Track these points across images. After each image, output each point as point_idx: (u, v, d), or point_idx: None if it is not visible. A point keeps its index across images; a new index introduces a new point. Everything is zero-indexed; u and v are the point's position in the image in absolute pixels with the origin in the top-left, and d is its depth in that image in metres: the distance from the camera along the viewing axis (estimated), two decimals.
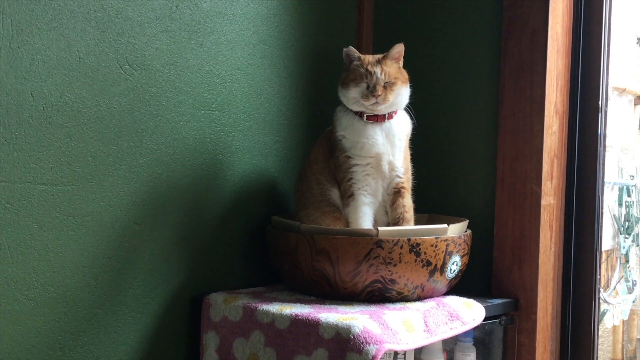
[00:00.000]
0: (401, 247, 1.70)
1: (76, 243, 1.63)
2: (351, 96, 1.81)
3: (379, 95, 1.78)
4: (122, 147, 1.70)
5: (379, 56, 1.84)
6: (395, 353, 1.69)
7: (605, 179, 2.03)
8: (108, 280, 1.69)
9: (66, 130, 1.60)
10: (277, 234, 1.84)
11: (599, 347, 2.19)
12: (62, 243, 1.61)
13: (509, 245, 1.95)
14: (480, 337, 1.93)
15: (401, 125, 1.85)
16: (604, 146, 1.98)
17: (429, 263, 1.72)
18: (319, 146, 1.91)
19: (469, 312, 1.76)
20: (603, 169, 1.98)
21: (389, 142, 1.82)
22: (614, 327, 3.15)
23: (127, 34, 1.69)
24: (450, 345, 1.89)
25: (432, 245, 1.72)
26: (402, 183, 1.83)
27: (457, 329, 1.72)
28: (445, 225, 1.76)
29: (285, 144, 2.04)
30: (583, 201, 1.98)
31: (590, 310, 1.97)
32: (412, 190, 1.87)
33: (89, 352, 1.67)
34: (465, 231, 1.84)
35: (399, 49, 1.84)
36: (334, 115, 1.88)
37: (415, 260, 1.71)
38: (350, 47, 1.84)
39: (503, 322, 1.90)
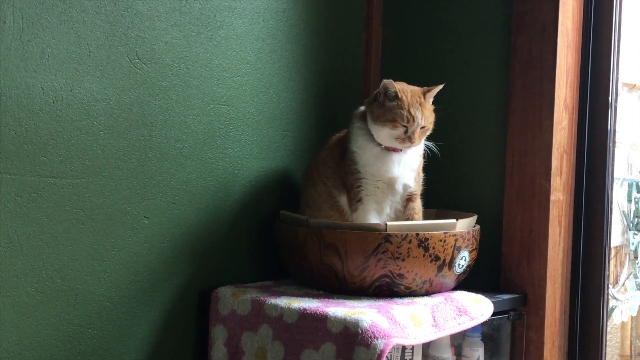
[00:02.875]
0: (409, 241, 1.70)
1: (85, 236, 1.64)
2: (384, 134, 1.76)
3: (414, 141, 1.76)
4: (132, 141, 1.70)
5: (419, 93, 1.77)
6: (403, 348, 1.69)
7: (615, 175, 2.02)
8: (117, 274, 1.70)
9: (76, 124, 1.61)
10: (285, 228, 1.84)
11: (608, 343, 2.18)
12: (72, 236, 1.62)
13: (517, 241, 1.95)
14: (488, 332, 1.92)
15: (418, 151, 1.84)
16: (614, 142, 1.97)
17: (437, 258, 1.72)
18: (330, 152, 1.89)
19: (477, 307, 1.76)
20: (612, 165, 1.97)
21: (404, 167, 1.81)
22: (623, 324, 3.14)
23: (136, 27, 1.69)
24: (459, 341, 1.89)
25: (440, 240, 1.72)
26: (414, 192, 1.84)
27: (465, 324, 1.72)
28: (453, 220, 1.76)
29: (294, 138, 2.04)
30: (592, 197, 1.97)
31: (598, 306, 1.96)
32: (422, 184, 1.87)
33: (98, 345, 1.67)
34: (474, 226, 1.84)
35: (439, 89, 1.79)
36: (350, 126, 1.84)
37: (424, 255, 1.71)
38: (391, 80, 1.76)
39: (511, 317, 1.90)
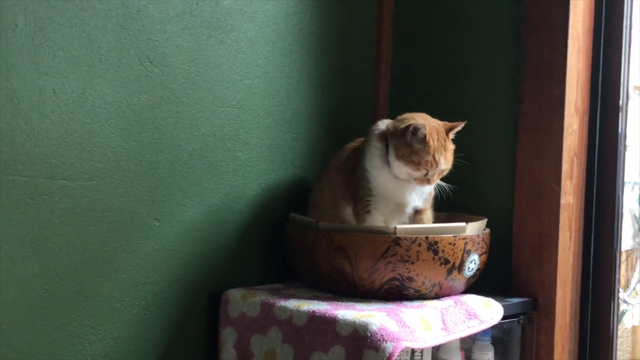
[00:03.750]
0: (419, 245, 1.70)
1: (96, 238, 1.65)
2: (404, 172, 1.74)
3: (432, 183, 1.76)
4: (143, 143, 1.71)
5: (443, 135, 1.75)
6: (413, 351, 1.69)
7: (626, 179, 2.01)
8: (127, 276, 1.70)
9: (87, 126, 1.62)
10: (295, 231, 1.84)
11: (618, 347, 2.17)
12: (83, 238, 1.63)
13: (527, 244, 1.94)
14: (498, 336, 1.92)
15: None
16: (624, 145, 1.97)
17: (447, 261, 1.72)
18: (344, 162, 1.87)
19: (487, 311, 1.75)
20: (623, 169, 1.97)
21: (417, 194, 1.80)
22: (634, 328, 3.13)
23: (147, 31, 1.70)
24: (468, 344, 1.88)
25: (450, 244, 1.72)
26: (423, 207, 1.84)
27: (475, 327, 1.71)
28: (463, 224, 1.76)
29: (304, 142, 2.04)
30: (603, 201, 1.97)
31: (609, 310, 1.96)
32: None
33: (109, 346, 1.68)
34: (484, 230, 1.84)
35: (461, 127, 1.78)
36: (366, 144, 1.81)
37: (433, 259, 1.71)
38: (424, 125, 1.72)
39: (521, 321, 1.90)
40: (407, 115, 1.81)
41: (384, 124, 1.82)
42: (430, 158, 1.73)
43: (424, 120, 1.76)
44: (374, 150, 1.79)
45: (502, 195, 2.01)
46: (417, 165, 1.73)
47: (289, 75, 2.00)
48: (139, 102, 1.70)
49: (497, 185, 2.02)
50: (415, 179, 1.75)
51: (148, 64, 1.71)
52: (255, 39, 1.91)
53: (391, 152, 1.75)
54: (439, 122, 1.80)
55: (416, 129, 1.72)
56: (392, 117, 2.14)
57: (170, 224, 1.77)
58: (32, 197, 1.54)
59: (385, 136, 1.79)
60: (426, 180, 1.75)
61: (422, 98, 2.18)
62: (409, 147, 1.73)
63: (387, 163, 1.77)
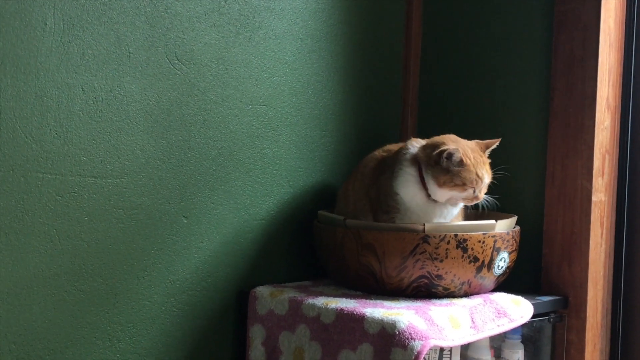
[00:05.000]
0: (448, 242, 1.68)
1: (125, 235, 1.65)
2: (451, 197, 1.73)
3: (481, 198, 1.75)
4: (171, 141, 1.72)
5: (479, 152, 1.75)
6: (441, 349, 1.68)
7: None
8: (156, 273, 1.71)
9: (116, 124, 1.62)
10: (323, 228, 1.84)
11: None
12: (112, 235, 1.63)
13: (558, 242, 1.92)
14: (528, 334, 1.91)
15: None
16: None
17: (476, 259, 1.71)
18: (370, 173, 1.84)
19: (517, 309, 1.74)
20: None
21: (448, 213, 1.79)
22: None
23: (176, 28, 1.71)
24: (498, 342, 1.87)
25: (479, 241, 1.71)
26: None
27: (505, 326, 1.70)
28: (493, 221, 1.75)
29: (332, 139, 2.04)
30: (635, 198, 1.94)
31: None
32: None
33: (138, 343, 1.69)
34: (514, 227, 1.82)
35: (496, 144, 1.78)
36: (397, 167, 1.77)
37: (462, 256, 1.70)
38: (457, 148, 1.71)
39: (552, 319, 1.88)
40: (436, 140, 1.78)
41: (414, 148, 1.78)
42: (473, 176, 1.71)
43: (454, 143, 1.74)
44: (407, 176, 1.76)
45: (532, 192, 1.99)
46: (462, 186, 1.71)
47: (318, 72, 1.99)
48: (167, 100, 1.70)
49: (528, 182, 2.00)
50: (464, 199, 1.74)
51: (176, 61, 1.71)
52: (284, 36, 1.91)
53: (431, 182, 1.73)
54: (470, 141, 1.78)
55: (450, 154, 1.70)
56: (421, 114, 2.15)
57: (198, 221, 1.77)
58: (61, 194, 1.56)
59: (416, 160, 1.76)
60: (475, 197, 1.74)
61: (451, 95, 2.16)
62: (448, 172, 1.71)
63: (421, 188, 1.75)
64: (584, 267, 1.88)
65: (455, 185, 1.72)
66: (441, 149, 1.72)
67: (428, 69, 2.20)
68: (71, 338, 1.59)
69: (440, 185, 1.72)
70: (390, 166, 1.80)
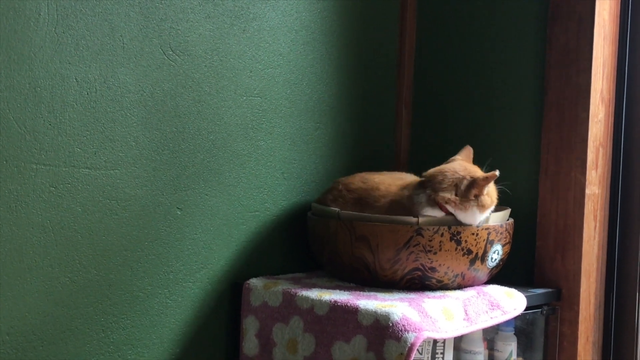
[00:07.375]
0: (441, 235, 1.69)
1: (119, 226, 1.65)
2: (478, 217, 1.73)
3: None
4: (165, 132, 1.71)
5: (478, 172, 1.77)
6: (435, 341, 1.68)
7: None
8: (150, 264, 1.71)
9: (110, 115, 1.62)
10: (317, 220, 1.84)
11: None
12: (105, 226, 1.63)
13: (552, 235, 1.93)
14: (521, 326, 1.91)
15: None
16: None
17: (469, 251, 1.71)
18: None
19: (510, 302, 1.74)
20: None
21: None
22: None
23: (170, 19, 1.70)
24: (491, 335, 1.88)
25: (473, 234, 1.71)
26: None
27: (498, 318, 1.70)
28: None
29: (326, 131, 2.03)
30: (628, 191, 1.95)
31: (634, 301, 1.94)
32: None
33: (131, 335, 1.69)
34: (508, 220, 1.82)
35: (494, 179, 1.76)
36: (414, 196, 1.76)
37: (456, 249, 1.70)
38: (474, 180, 1.72)
39: (545, 312, 1.89)
40: (443, 171, 1.76)
41: (424, 196, 1.74)
42: (489, 200, 1.73)
43: (464, 170, 1.74)
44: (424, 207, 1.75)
45: (526, 185, 1.99)
46: (485, 208, 1.72)
47: (312, 64, 1.99)
48: (161, 91, 1.70)
49: (522, 175, 2.00)
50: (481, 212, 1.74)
51: (170, 52, 1.71)
52: (278, 28, 1.90)
53: (460, 213, 1.71)
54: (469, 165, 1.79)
55: (470, 185, 1.71)
56: (415, 106, 2.14)
57: (192, 212, 1.77)
58: (55, 185, 1.55)
59: (432, 201, 1.74)
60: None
61: (446, 88, 2.16)
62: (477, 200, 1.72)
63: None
64: (577, 259, 1.89)
65: (482, 206, 1.73)
66: (466, 182, 1.72)
67: (422, 61, 2.20)
68: (65, 329, 1.59)
69: (467, 209, 1.72)
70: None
